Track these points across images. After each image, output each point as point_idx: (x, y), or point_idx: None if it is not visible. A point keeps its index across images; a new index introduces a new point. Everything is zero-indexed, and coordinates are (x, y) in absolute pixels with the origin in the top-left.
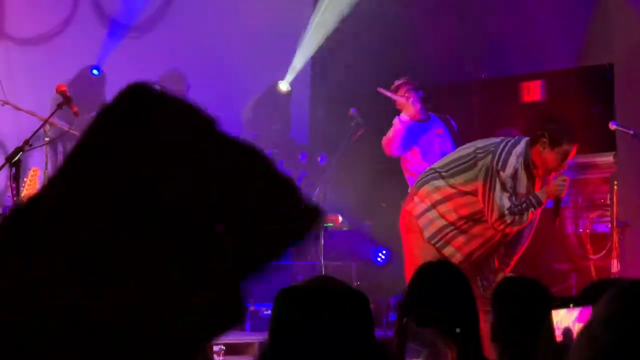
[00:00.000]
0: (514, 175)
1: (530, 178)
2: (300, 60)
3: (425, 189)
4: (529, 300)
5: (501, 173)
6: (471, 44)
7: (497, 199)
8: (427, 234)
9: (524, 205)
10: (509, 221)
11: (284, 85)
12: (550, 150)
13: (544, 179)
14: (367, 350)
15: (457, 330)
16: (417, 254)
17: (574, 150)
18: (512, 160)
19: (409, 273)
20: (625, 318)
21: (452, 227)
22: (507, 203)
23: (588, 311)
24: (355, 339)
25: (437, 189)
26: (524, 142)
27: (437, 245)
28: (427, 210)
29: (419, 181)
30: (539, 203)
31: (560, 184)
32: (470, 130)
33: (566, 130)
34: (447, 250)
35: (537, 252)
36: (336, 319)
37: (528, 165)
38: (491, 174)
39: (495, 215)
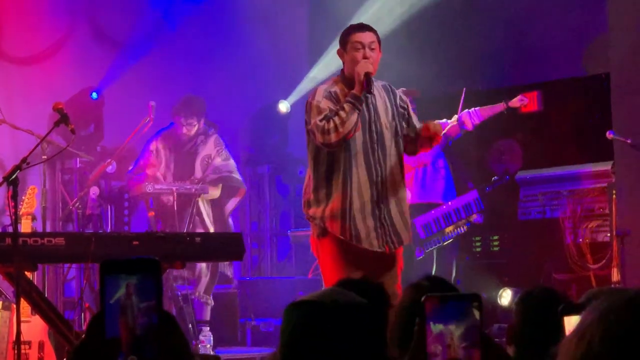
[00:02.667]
0: (329, 96)
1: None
2: (308, 84)
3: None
4: (550, 309)
5: (312, 102)
6: (470, 54)
7: (313, 122)
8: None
9: (340, 107)
10: (327, 126)
11: (283, 106)
12: (347, 52)
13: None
14: None
15: None
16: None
17: (363, 34)
18: (321, 87)
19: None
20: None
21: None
22: (319, 118)
23: None
24: (366, 352)
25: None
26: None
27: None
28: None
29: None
30: (353, 96)
31: (361, 65)
32: (467, 140)
33: (348, 27)
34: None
35: (537, 262)
36: (347, 332)
37: (345, 82)
38: (306, 109)
39: (317, 135)
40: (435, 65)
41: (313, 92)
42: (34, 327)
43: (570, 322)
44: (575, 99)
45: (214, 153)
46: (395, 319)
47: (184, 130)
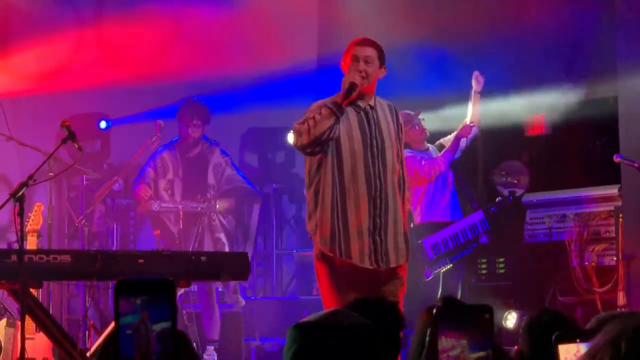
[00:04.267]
0: (322, 104)
1: (356, 107)
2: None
3: None
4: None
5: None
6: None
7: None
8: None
9: (321, 111)
10: (301, 128)
11: (291, 139)
12: (348, 65)
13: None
14: None
15: None
16: None
17: (361, 48)
18: (320, 100)
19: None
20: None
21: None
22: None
23: None
24: None
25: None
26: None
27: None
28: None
29: None
30: (333, 102)
31: (352, 72)
32: (475, 162)
33: (353, 40)
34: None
35: (543, 285)
36: (350, 354)
37: (348, 91)
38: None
39: (293, 137)
40: (447, 88)
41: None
42: (39, 344)
43: (569, 350)
44: (583, 122)
45: (223, 163)
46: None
47: (190, 131)
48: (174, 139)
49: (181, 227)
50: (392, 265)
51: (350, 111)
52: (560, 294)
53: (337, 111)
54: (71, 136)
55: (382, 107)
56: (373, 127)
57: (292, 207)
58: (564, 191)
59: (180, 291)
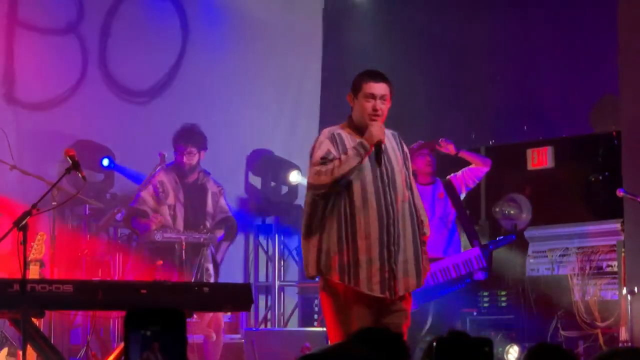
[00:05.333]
0: (332, 138)
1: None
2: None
3: None
4: None
5: (314, 144)
6: (480, 110)
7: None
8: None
9: (346, 153)
10: (322, 168)
11: (294, 178)
12: (357, 99)
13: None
14: None
15: None
16: None
17: (376, 85)
18: (327, 129)
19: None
20: None
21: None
22: (316, 160)
23: None
24: None
25: None
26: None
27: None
28: None
29: None
30: (361, 145)
31: (376, 127)
32: (477, 195)
33: (363, 72)
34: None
35: (544, 319)
36: None
37: (353, 127)
38: (310, 153)
39: (310, 176)
40: (450, 120)
41: (318, 135)
42: None
43: None
44: (585, 156)
45: (218, 192)
46: None
47: (185, 159)
48: (169, 163)
49: (183, 257)
50: (401, 293)
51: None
52: (563, 328)
53: (364, 154)
54: (75, 166)
55: (387, 136)
56: (382, 155)
57: (294, 239)
58: (566, 225)
59: None
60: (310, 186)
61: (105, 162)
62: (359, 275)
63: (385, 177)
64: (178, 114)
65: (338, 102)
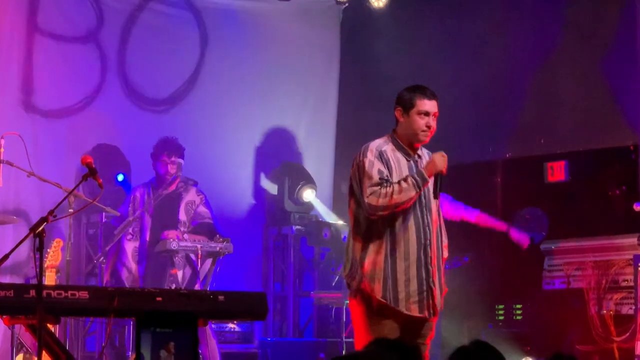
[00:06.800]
0: (379, 157)
1: (407, 155)
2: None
3: None
4: None
5: (363, 160)
6: (497, 123)
7: (365, 184)
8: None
9: (402, 180)
10: (382, 190)
11: (308, 195)
12: (407, 116)
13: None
14: None
15: None
16: None
17: (430, 102)
18: (372, 145)
19: None
20: None
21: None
22: (371, 181)
23: None
24: None
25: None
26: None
27: None
28: None
29: None
30: (421, 176)
31: (439, 157)
32: (494, 208)
33: (414, 88)
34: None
35: (560, 333)
36: None
37: (397, 142)
38: (357, 171)
39: (367, 196)
40: (468, 133)
41: (363, 150)
42: None
43: None
44: (602, 170)
45: (197, 200)
46: None
47: (168, 168)
48: (150, 179)
49: (199, 266)
50: (434, 314)
51: (401, 158)
52: (578, 342)
53: (422, 186)
54: (92, 173)
55: (424, 156)
56: (439, 185)
57: (310, 250)
58: (582, 239)
59: None
60: (367, 206)
61: (120, 177)
62: (398, 295)
63: (423, 199)
64: (196, 122)
65: (355, 112)
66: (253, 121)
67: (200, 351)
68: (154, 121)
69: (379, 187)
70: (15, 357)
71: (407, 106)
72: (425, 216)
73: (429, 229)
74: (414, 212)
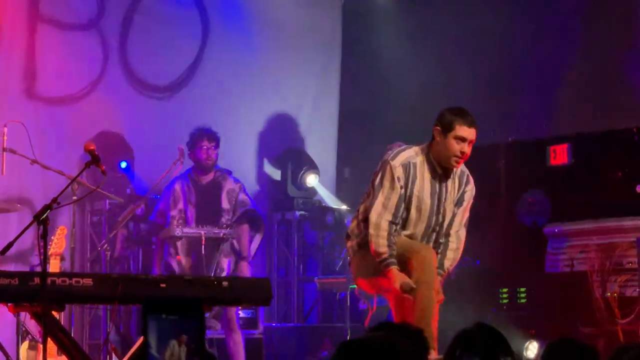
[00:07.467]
0: (406, 166)
1: (433, 173)
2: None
3: None
4: None
5: (390, 163)
6: (500, 106)
7: (378, 191)
8: None
9: (382, 244)
10: (376, 232)
11: (311, 180)
12: (444, 137)
13: (452, 178)
14: None
15: None
16: None
17: (469, 130)
18: (405, 152)
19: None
20: None
21: None
22: (381, 211)
23: None
24: None
25: None
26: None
27: None
28: None
29: None
30: (385, 266)
31: (407, 285)
32: (497, 192)
33: (457, 112)
34: None
35: (564, 315)
36: None
37: (429, 158)
38: (381, 166)
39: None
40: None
41: (395, 153)
42: None
43: None
44: (605, 153)
45: (237, 189)
46: None
47: (210, 153)
48: (187, 170)
49: (203, 252)
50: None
51: (426, 174)
52: (582, 325)
53: (381, 264)
54: (95, 160)
55: (456, 173)
56: (442, 196)
57: (314, 234)
58: (586, 221)
59: None
60: (370, 225)
61: (123, 164)
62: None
63: (439, 217)
64: (198, 109)
65: (358, 97)
66: (255, 107)
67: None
68: (156, 108)
69: (387, 231)
70: (21, 344)
71: (446, 128)
72: (434, 234)
73: (436, 248)
74: (425, 227)
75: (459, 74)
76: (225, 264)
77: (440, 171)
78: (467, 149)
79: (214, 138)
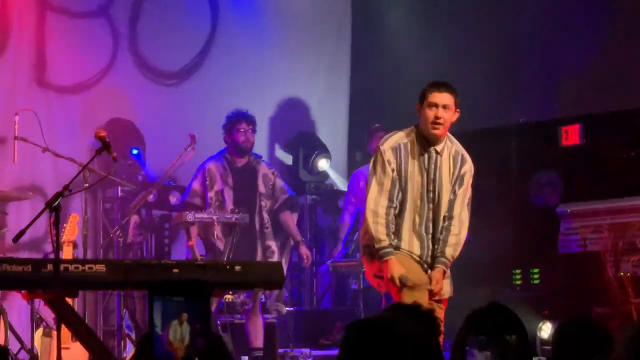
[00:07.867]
0: (396, 149)
1: (422, 150)
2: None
3: None
4: (588, 342)
5: (380, 148)
6: (510, 88)
7: (371, 178)
8: None
9: (381, 232)
10: (374, 219)
11: (323, 164)
12: (421, 108)
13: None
14: None
15: None
16: None
17: (440, 94)
18: (394, 136)
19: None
20: None
21: None
22: (376, 197)
23: None
24: None
25: None
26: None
27: None
28: None
29: None
30: (380, 256)
31: (404, 278)
32: (509, 173)
33: (430, 83)
34: None
35: (577, 296)
36: (404, 350)
37: (418, 135)
38: (374, 153)
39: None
40: (480, 98)
41: (385, 137)
42: (74, 353)
43: None
44: (617, 132)
45: (270, 174)
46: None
47: (248, 135)
48: (220, 151)
49: (217, 236)
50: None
51: (417, 152)
52: (596, 305)
53: (378, 252)
54: (106, 147)
55: (449, 153)
56: (432, 172)
57: (326, 218)
58: (598, 201)
59: (214, 303)
60: (367, 212)
61: (135, 151)
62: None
63: (431, 194)
64: (208, 96)
65: (368, 80)
66: (266, 91)
67: (245, 327)
68: (167, 94)
69: (384, 219)
70: (35, 331)
71: (421, 99)
72: (430, 212)
73: (434, 225)
74: (420, 207)
75: (470, 56)
76: (274, 246)
77: (430, 148)
78: (441, 113)
79: (252, 121)
